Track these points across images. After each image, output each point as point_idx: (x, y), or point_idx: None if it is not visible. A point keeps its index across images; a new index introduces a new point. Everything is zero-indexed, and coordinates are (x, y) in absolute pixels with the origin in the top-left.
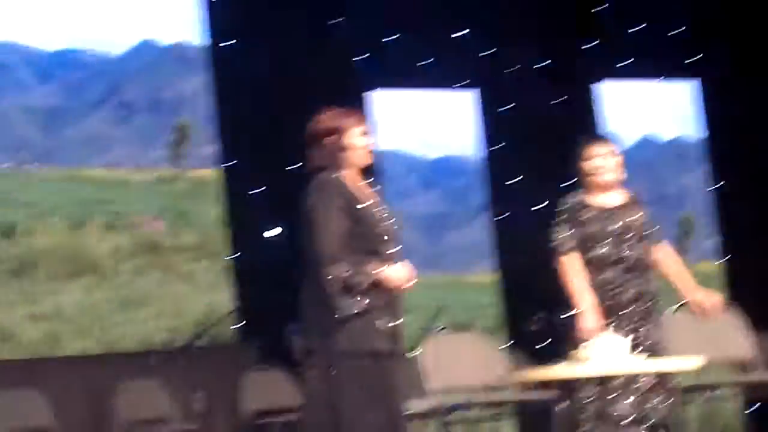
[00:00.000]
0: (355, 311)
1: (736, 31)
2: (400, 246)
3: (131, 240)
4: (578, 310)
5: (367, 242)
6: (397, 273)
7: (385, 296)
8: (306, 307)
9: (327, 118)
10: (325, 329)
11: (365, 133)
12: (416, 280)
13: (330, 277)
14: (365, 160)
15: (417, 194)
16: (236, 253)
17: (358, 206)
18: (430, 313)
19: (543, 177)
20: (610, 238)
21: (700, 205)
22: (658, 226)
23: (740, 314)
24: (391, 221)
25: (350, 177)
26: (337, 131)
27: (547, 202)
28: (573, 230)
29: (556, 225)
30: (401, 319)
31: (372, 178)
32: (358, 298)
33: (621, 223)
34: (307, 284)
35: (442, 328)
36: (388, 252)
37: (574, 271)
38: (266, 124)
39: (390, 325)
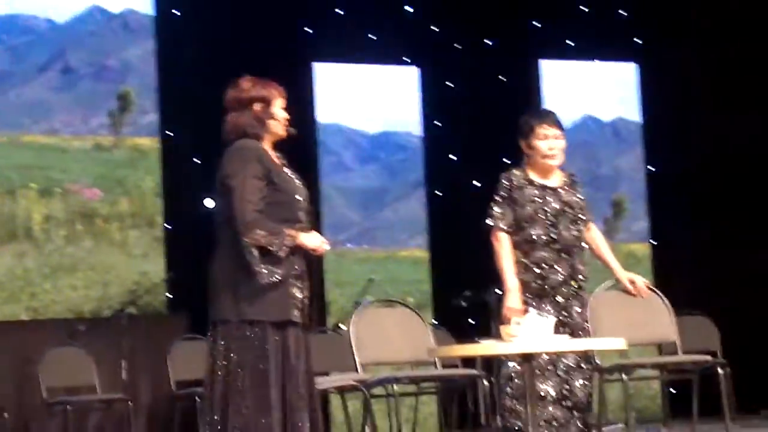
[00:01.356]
0: (274, 279)
1: (679, 17)
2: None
3: (65, 207)
4: (505, 290)
5: (284, 210)
6: (311, 239)
7: (299, 265)
8: (218, 276)
9: (255, 86)
10: (237, 298)
11: (283, 106)
12: (328, 247)
13: (248, 244)
14: (283, 133)
15: (354, 168)
16: (171, 223)
17: (278, 174)
18: (360, 287)
19: (482, 155)
20: (546, 219)
21: (633, 187)
22: (588, 208)
23: (665, 297)
24: (304, 192)
25: (268, 146)
26: (264, 100)
27: (484, 182)
28: (509, 208)
29: (494, 202)
30: (308, 290)
31: (290, 154)
32: (275, 266)
33: (558, 204)
34: (220, 252)
35: (371, 302)
36: (302, 222)
37: (504, 251)
38: (209, 95)
39: (302, 295)
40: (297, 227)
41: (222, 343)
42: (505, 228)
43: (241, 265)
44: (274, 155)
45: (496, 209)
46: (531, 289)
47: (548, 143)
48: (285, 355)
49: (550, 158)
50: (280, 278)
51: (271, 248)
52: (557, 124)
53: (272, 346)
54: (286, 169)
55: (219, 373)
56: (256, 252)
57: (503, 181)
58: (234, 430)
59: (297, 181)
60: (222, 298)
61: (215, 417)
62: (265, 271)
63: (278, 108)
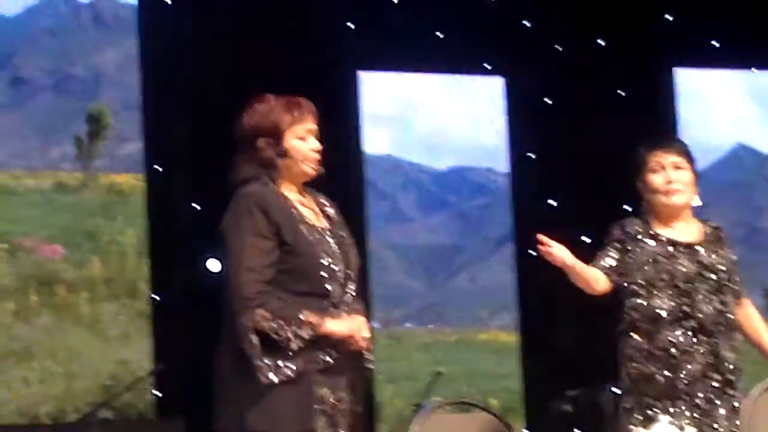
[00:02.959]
0: (279, 379)
1: None
2: (353, 289)
3: (16, 270)
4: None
5: (305, 281)
6: (341, 326)
7: (330, 355)
8: (219, 371)
9: (261, 111)
10: (239, 401)
11: (313, 133)
12: (370, 336)
13: (244, 328)
14: (311, 171)
15: (415, 218)
16: (160, 294)
17: (295, 229)
18: (423, 383)
19: (593, 200)
20: (675, 285)
21: None
22: (740, 277)
23: None
24: (346, 254)
25: (289, 191)
26: (272, 132)
27: (595, 237)
28: (621, 256)
29: (601, 249)
30: (348, 390)
31: (330, 198)
32: (286, 361)
33: (694, 265)
34: (224, 338)
35: (439, 406)
36: (333, 297)
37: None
38: (212, 116)
39: (337, 396)
40: (323, 305)
41: None
42: (600, 266)
43: (241, 357)
44: (299, 201)
45: (603, 255)
46: (657, 386)
47: (665, 175)
48: None
49: (670, 194)
50: (292, 375)
51: (278, 339)
52: (678, 150)
53: None
54: (318, 222)
55: None
56: (256, 340)
57: (614, 228)
58: None
59: (331, 238)
60: (222, 402)
61: None
62: (269, 367)
63: (296, 138)
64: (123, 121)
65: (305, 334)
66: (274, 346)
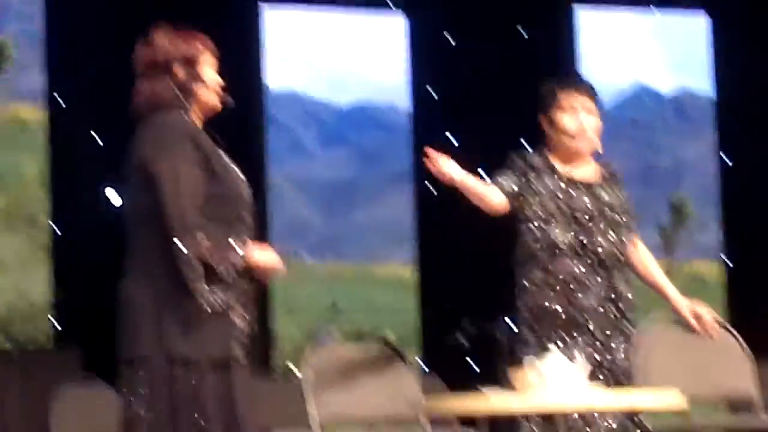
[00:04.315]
0: (215, 305)
1: None
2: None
3: None
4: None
5: (227, 208)
6: (266, 257)
7: (244, 287)
8: (135, 299)
9: (174, 41)
10: (163, 328)
11: (216, 68)
12: (282, 266)
13: (186, 254)
14: (217, 103)
15: (316, 153)
16: (60, 224)
17: (218, 159)
18: (319, 315)
19: (491, 137)
20: (574, 219)
21: (701, 184)
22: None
23: (741, 337)
24: (246, 185)
25: (198, 122)
26: (189, 60)
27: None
28: (517, 182)
29: (501, 173)
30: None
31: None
32: (217, 288)
33: (592, 202)
34: (137, 265)
35: (335, 336)
36: (248, 223)
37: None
38: (115, 46)
39: (245, 324)
40: (242, 233)
41: (143, 389)
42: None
43: (168, 284)
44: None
45: (504, 179)
46: (555, 318)
47: (577, 119)
48: (227, 406)
49: (579, 139)
50: (222, 303)
51: (216, 268)
52: (592, 96)
53: (211, 395)
54: (223, 154)
55: (139, 427)
56: (197, 264)
57: (515, 158)
58: None
59: (239, 172)
60: (141, 329)
61: None
62: (207, 293)
63: (208, 69)
64: (24, 50)
65: (237, 263)
66: (208, 274)
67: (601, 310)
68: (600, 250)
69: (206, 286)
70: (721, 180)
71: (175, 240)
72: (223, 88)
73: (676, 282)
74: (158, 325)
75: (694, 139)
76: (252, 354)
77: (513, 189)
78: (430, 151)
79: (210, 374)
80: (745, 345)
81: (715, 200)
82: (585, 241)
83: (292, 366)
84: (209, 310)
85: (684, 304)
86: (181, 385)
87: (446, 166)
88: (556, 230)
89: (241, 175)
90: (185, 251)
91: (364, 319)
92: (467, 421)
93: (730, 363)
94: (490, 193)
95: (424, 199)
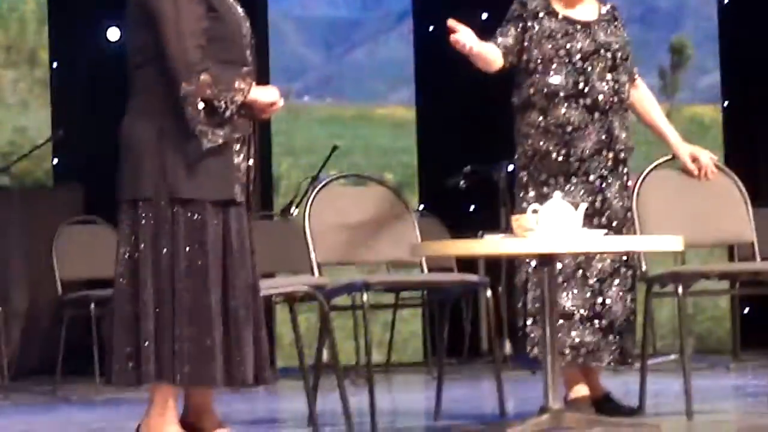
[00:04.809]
0: (217, 142)
1: None
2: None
3: None
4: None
5: (229, 48)
6: (267, 93)
7: (246, 126)
8: (136, 138)
9: None
10: (165, 169)
11: None
12: (282, 104)
13: (191, 94)
14: None
15: None
16: (59, 61)
17: None
18: (320, 157)
19: None
20: (571, 62)
21: (701, 25)
22: (634, 57)
23: (740, 181)
24: (247, 24)
25: None
26: None
27: (495, 13)
28: (515, 33)
29: (501, 26)
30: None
31: None
32: (217, 128)
33: (589, 43)
34: (138, 104)
35: (335, 179)
36: (249, 65)
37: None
38: None
39: (246, 165)
40: (244, 73)
41: (146, 229)
42: (499, 44)
43: (170, 123)
44: None
45: (503, 35)
46: (551, 163)
47: None
48: (226, 247)
49: None
50: (221, 141)
51: (217, 105)
52: None
53: (212, 235)
54: None
55: (144, 267)
56: (201, 104)
57: (514, 4)
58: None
59: (240, 8)
60: (143, 168)
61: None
62: (211, 133)
63: None
64: None
65: (239, 100)
66: (210, 112)
67: (597, 154)
68: (597, 93)
69: (207, 126)
70: (720, 21)
71: (177, 79)
72: None
73: (677, 125)
74: (161, 166)
75: None
76: (253, 195)
77: (511, 44)
78: (451, 23)
79: (211, 214)
80: (744, 189)
81: (715, 42)
82: (582, 86)
83: (292, 209)
84: (210, 149)
85: (683, 148)
86: (182, 224)
87: (464, 37)
88: (554, 76)
89: (243, 13)
90: (187, 90)
91: (365, 162)
92: (467, 266)
93: (729, 208)
94: (493, 58)
95: (424, 40)
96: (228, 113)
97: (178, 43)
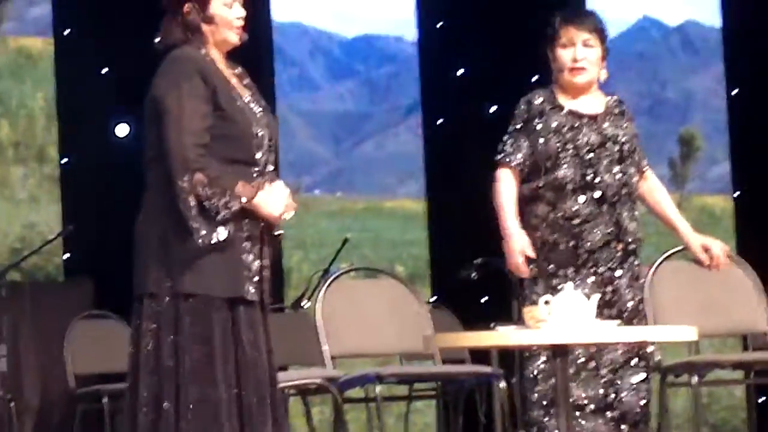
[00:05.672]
0: (216, 240)
1: None
2: (273, 159)
3: None
4: (504, 237)
5: (237, 148)
6: (272, 199)
7: (255, 226)
8: (144, 235)
9: None
10: (169, 265)
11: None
12: (295, 209)
13: (183, 191)
14: (236, 38)
15: (323, 86)
16: (69, 157)
17: (228, 96)
18: (330, 250)
19: (501, 70)
20: (578, 156)
21: (710, 117)
22: (642, 148)
23: (752, 271)
24: (268, 124)
25: (216, 57)
26: None
27: (503, 107)
28: (525, 141)
29: (508, 134)
30: (268, 258)
31: (240, 66)
32: (217, 225)
33: (596, 136)
34: (148, 201)
35: (346, 272)
36: (260, 165)
37: (504, 187)
38: None
39: (259, 264)
40: (252, 173)
41: (149, 325)
42: (514, 165)
43: (175, 220)
44: (226, 69)
45: (508, 142)
46: (559, 254)
47: (572, 52)
48: (237, 344)
49: (575, 73)
50: (223, 240)
51: (208, 206)
52: (590, 27)
53: (219, 330)
54: (244, 90)
55: (146, 365)
56: (193, 201)
57: (521, 105)
58: None
59: (256, 107)
60: (149, 264)
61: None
62: (204, 230)
63: (223, 5)
64: None
65: (235, 206)
66: (204, 212)
67: (606, 246)
68: (604, 185)
69: (205, 224)
70: (730, 112)
71: (173, 175)
72: (244, 23)
73: (687, 216)
74: (164, 262)
75: (702, 72)
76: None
77: (526, 158)
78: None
79: (217, 312)
80: (757, 279)
81: (724, 133)
82: (589, 178)
83: (304, 302)
84: (205, 246)
85: (694, 239)
86: (186, 321)
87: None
88: (562, 168)
89: (261, 113)
90: (181, 186)
91: (375, 254)
92: (479, 357)
93: (743, 298)
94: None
95: (433, 132)
96: (220, 217)
97: (178, 140)
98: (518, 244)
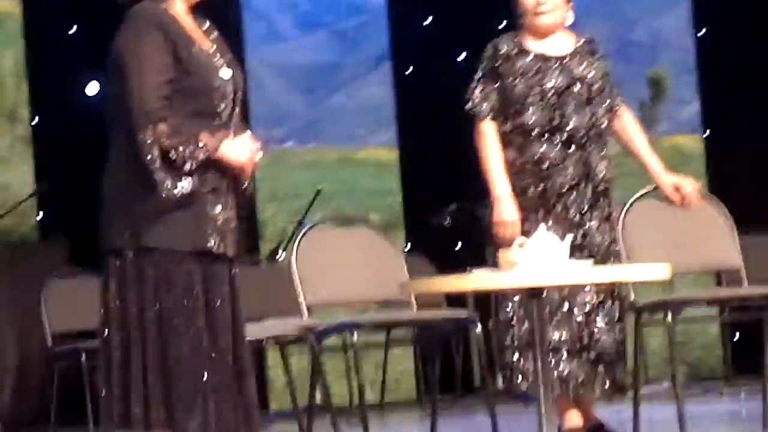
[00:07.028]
0: (181, 193)
1: None
2: (238, 111)
3: None
4: (493, 198)
5: (198, 101)
6: (237, 148)
7: (220, 177)
8: (109, 190)
9: None
10: (132, 219)
11: None
12: (261, 155)
13: (146, 143)
14: None
15: (293, 38)
16: (41, 117)
17: (189, 49)
18: (304, 202)
19: (469, 18)
20: (545, 99)
21: (679, 58)
22: (616, 86)
23: (723, 208)
24: (232, 76)
25: (180, 12)
26: None
27: (471, 54)
28: (493, 88)
29: (475, 81)
30: (234, 211)
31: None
32: (181, 178)
33: (563, 78)
34: (112, 157)
35: (320, 222)
36: (223, 118)
37: (487, 144)
38: None
39: (225, 216)
40: (216, 124)
41: (114, 281)
42: (487, 114)
43: (138, 174)
44: (190, 23)
45: (476, 90)
46: (529, 199)
47: None
48: (202, 297)
49: (538, 16)
50: (187, 192)
51: (173, 156)
52: None
53: (182, 283)
54: (207, 42)
55: (114, 321)
56: (157, 154)
57: (487, 50)
58: (138, 406)
59: (219, 59)
60: (113, 220)
61: (115, 382)
62: (168, 181)
63: None
64: None
65: (200, 155)
66: (169, 163)
67: (576, 188)
68: (572, 128)
69: (169, 176)
70: (698, 52)
71: (135, 128)
72: None
73: (658, 156)
74: (129, 217)
75: (669, 12)
76: (238, 243)
77: (494, 106)
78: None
79: (181, 265)
80: (729, 216)
81: (693, 73)
82: (556, 122)
83: (279, 253)
84: (170, 198)
85: (666, 178)
86: (150, 275)
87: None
88: (528, 112)
89: (225, 65)
90: (143, 139)
91: (349, 204)
92: (455, 301)
93: (715, 235)
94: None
95: (403, 81)
96: (187, 167)
97: (139, 93)
98: (508, 211)
